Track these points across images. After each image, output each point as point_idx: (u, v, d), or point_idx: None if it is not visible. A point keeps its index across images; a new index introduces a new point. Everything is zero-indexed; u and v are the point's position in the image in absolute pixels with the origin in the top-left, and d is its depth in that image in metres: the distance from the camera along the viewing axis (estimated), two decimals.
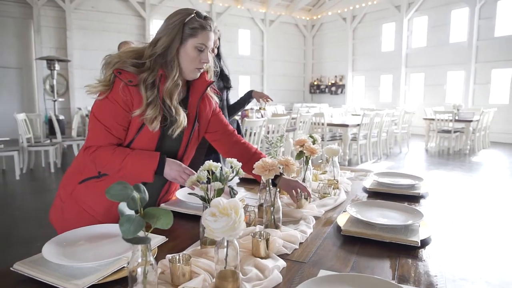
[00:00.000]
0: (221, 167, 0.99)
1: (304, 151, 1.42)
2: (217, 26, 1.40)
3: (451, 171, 5.98)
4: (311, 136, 1.61)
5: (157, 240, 1.02)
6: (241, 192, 1.56)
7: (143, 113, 1.22)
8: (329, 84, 14.29)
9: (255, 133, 4.78)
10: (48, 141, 5.98)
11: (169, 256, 0.86)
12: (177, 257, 0.84)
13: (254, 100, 2.53)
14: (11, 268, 0.87)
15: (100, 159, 1.24)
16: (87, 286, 0.79)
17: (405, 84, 11.86)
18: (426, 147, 8.21)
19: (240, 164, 1.01)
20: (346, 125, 6.24)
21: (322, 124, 6.42)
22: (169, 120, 1.28)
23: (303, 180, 1.43)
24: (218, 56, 2.19)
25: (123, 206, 0.65)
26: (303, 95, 15.23)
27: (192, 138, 1.41)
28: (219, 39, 2.09)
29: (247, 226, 1.15)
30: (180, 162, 1.29)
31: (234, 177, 0.99)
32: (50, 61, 6.83)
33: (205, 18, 1.28)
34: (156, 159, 1.24)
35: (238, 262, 0.79)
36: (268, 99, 2.45)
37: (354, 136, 6.44)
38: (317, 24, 14.60)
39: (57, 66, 6.86)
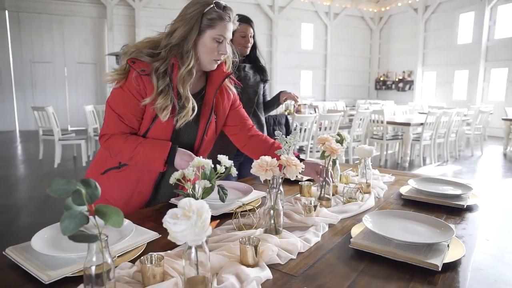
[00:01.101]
0: (213, 165, 0.92)
1: (325, 151, 1.29)
2: (236, 16, 1.33)
3: None
4: (338, 134, 1.47)
5: (147, 236, 0.99)
6: (261, 191, 1.47)
7: (153, 101, 1.22)
8: (396, 80, 13.42)
9: (305, 129, 4.63)
10: None
11: (152, 254, 0.81)
12: (149, 258, 0.78)
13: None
14: (3, 252, 0.89)
15: (114, 147, 1.26)
16: (60, 277, 0.78)
17: (484, 80, 10.66)
18: (505, 152, 7.29)
19: (231, 162, 0.93)
20: (408, 124, 5.78)
21: (382, 122, 6.02)
22: (179, 110, 1.26)
23: (324, 183, 1.30)
24: (254, 46, 2.10)
25: (70, 202, 0.60)
26: (368, 91, 14.52)
27: (208, 130, 1.38)
28: (252, 28, 2.01)
29: (249, 229, 1.07)
30: (191, 153, 1.27)
31: (225, 175, 0.91)
32: (118, 57, 7.33)
33: (224, 8, 1.24)
34: (167, 148, 1.23)
35: (209, 267, 0.72)
36: (295, 99, 2.21)
37: (418, 136, 5.94)
38: (385, 16, 13.77)
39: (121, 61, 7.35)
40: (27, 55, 9.80)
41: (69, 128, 9.49)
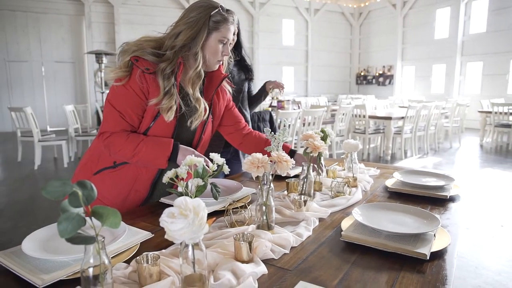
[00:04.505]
0: (205, 163, 0.92)
1: (307, 147, 1.30)
2: (237, 18, 1.41)
3: (508, 169, 5.43)
4: (322, 131, 1.49)
5: (140, 236, 0.98)
6: (249, 188, 1.48)
7: (159, 102, 1.22)
8: (377, 74, 13.65)
9: (289, 125, 4.66)
10: (95, 131, 6.31)
11: (147, 253, 0.81)
12: (145, 257, 0.79)
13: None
14: None
15: (114, 145, 1.24)
16: (55, 281, 0.77)
17: (460, 74, 10.97)
18: (481, 143, 7.54)
19: (224, 160, 0.94)
20: (389, 118, 5.90)
21: (364, 116, 6.12)
22: (184, 110, 1.28)
23: (305, 180, 1.32)
24: (239, 45, 2.10)
25: (66, 204, 0.60)
26: (349, 86, 14.71)
27: (206, 130, 1.42)
28: (237, 26, 2.01)
29: (241, 225, 1.08)
30: (193, 149, 1.29)
31: (217, 173, 0.92)
32: (98, 55, 7.18)
33: (227, 11, 1.29)
34: (170, 146, 1.24)
35: (205, 265, 0.73)
36: (281, 87, 2.25)
37: (399, 129, 6.08)
38: (364, 12, 13.96)
39: (104, 60, 7.19)
40: (2, 54, 9.47)
41: (48, 129, 9.23)
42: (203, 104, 1.30)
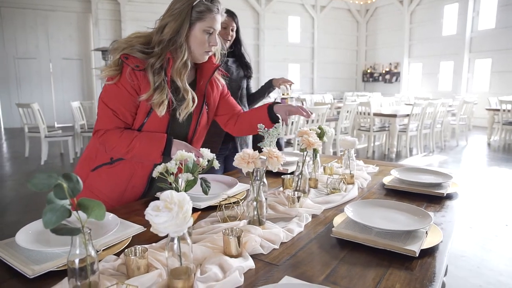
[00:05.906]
0: (198, 155, 0.93)
1: (302, 143, 1.30)
2: (224, 8, 1.37)
3: None
4: (320, 128, 1.49)
5: (132, 229, 1.00)
6: (246, 184, 1.49)
7: (150, 97, 1.23)
8: (383, 72, 13.55)
9: (292, 122, 4.65)
10: None
11: (136, 247, 0.82)
12: (133, 250, 0.80)
13: (276, 89, 2.37)
14: None
15: (109, 142, 1.26)
16: (45, 272, 0.78)
17: (468, 71, 10.84)
18: (489, 141, 7.45)
19: (214, 155, 0.95)
20: (394, 115, 5.85)
21: (368, 114, 6.08)
22: (176, 104, 1.28)
23: (300, 176, 1.32)
24: (238, 41, 2.10)
25: (52, 196, 0.61)
26: (355, 84, 14.63)
27: (201, 121, 1.42)
28: (235, 22, 2.01)
29: (233, 221, 1.09)
30: (186, 143, 1.30)
31: (207, 168, 0.93)
32: (104, 52, 7.24)
33: (212, 1, 1.27)
34: (163, 140, 1.26)
35: (191, 258, 0.73)
36: (290, 83, 2.26)
37: (404, 127, 6.03)
38: (371, 9, 13.84)
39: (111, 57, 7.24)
40: (11, 51, 9.60)
41: (56, 125, 9.35)
42: (190, 94, 1.29)
